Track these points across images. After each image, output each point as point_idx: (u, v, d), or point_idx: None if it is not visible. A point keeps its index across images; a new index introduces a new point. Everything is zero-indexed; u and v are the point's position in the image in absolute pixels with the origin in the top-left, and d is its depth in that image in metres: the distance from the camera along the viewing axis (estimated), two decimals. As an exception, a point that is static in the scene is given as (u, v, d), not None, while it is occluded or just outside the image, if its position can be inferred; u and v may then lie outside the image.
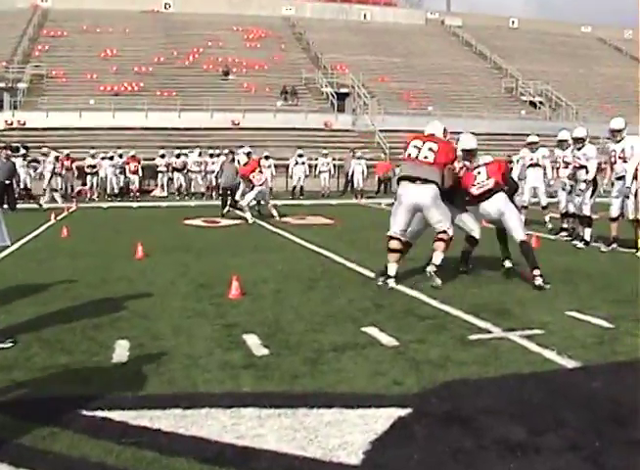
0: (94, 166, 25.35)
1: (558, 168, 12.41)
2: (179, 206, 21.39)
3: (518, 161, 15.09)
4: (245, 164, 15.60)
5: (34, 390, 3.95)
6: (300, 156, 26.38)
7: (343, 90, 38.18)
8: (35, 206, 19.76)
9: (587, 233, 10.52)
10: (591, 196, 10.70)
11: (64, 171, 24.21)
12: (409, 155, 7.28)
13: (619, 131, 9.88)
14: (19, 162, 21.63)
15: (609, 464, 2.99)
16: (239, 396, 3.83)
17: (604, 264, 8.76)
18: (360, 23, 50.96)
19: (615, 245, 9.92)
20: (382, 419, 3.47)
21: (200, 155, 26.52)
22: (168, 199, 24.96)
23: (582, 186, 10.68)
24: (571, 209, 11.44)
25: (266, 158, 24.35)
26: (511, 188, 7.94)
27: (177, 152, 26.78)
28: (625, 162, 9.65)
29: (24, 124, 30.98)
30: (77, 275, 7.83)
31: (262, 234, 12.75)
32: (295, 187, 26.19)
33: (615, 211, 9.97)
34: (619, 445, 3.18)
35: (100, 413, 3.54)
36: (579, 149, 10.82)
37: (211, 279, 7.54)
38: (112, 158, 25.60)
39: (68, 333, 5.15)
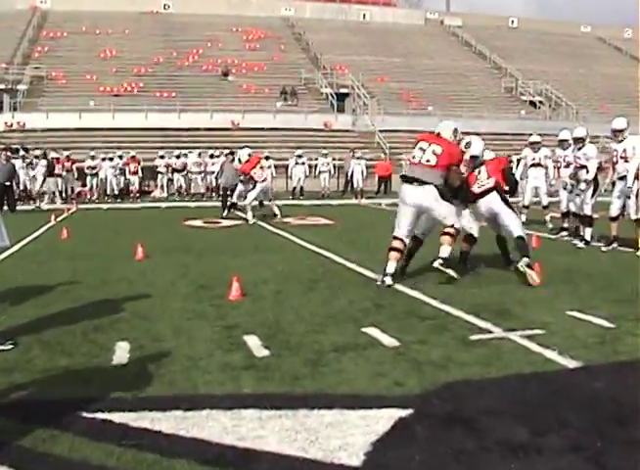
0: (94, 168, 25.39)
1: (559, 168, 12.41)
2: (179, 206, 21.38)
3: (519, 160, 15.08)
4: (246, 162, 15.53)
5: (35, 392, 3.94)
6: (300, 156, 26.39)
7: (343, 90, 38.20)
8: (34, 207, 19.79)
9: (588, 233, 10.51)
10: (592, 195, 10.71)
11: (64, 173, 24.20)
12: (413, 157, 7.38)
13: (622, 131, 9.87)
14: (18, 163, 21.62)
15: (611, 464, 2.98)
16: (239, 397, 3.82)
17: (604, 264, 8.75)
18: (359, 24, 50.97)
19: (615, 244, 9.92)
20: (383, 420, 3.46)
21: (199, 155, 26.53)
22: (168, 200, 24.96)
23: (583, 186, 10.68)
24: (573, 208, 11.44)
25: (266, 158, 24.34)
26: (511, 185, 8.00)
27: (177, 153, 26.79)
28: (627, 161, 9.65)
29: (24, 126, 30.99)
30: (77, 277, 7.82)
31: (262, 235, 12.74)
32: (294, 188, 26.20)
33: (614, 211, 9.97)
34: (622, 445, 3.17)
35: (100, 415, 3.53)
36: (580, 149, 10.82)
37: (212, 280, 7.53)
38: (111, 159, 25.64)
39: (69, 335, 5.14)
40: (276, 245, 11.10)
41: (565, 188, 11.62)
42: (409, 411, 3.58)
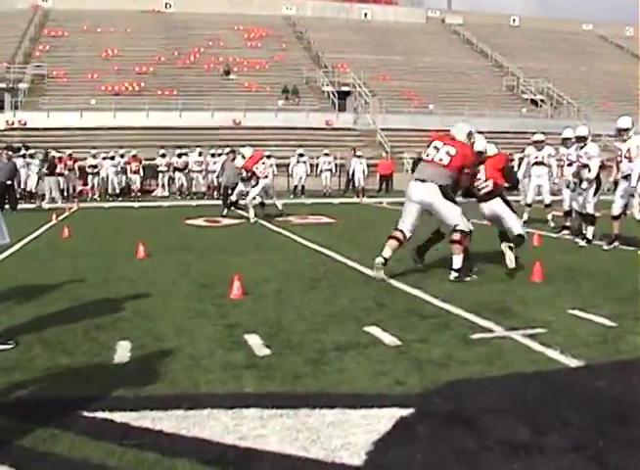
0: (95, 166, 25.39)
1: (563, 166, 12.42)
2: (180, 205, 21.39)
3: (521, 159, 15.10)
4: (249, 158, 15.49)
5: (35, 391, 3.94)
6: (301, 155, 26.39)
7: (345, 89, 38.22)
8: (35, 206, 19.79)
9: (590, 231, 10.50)
10: (594, 194, 10.72)
11: (66, 171, 24.21)
12: (427, 155, 7.51)
13: (627, 130, 9.86)
14: (19, 162, 21.60)
15: (613, 463, 2.97)
16: (241, 396, 3.82)
17: (606, 263, 8.74)
18: (361, 22, 50.94)
19: (617, 243, 9.91)
20: (384, 419, 3.45)
21: (200, 154, 26.49)
22: (170, 199, 24.96)
23: (585, 185, 10.68)
24: (575, 207, 11.43)
25: (267, 157, 24.31)
26: (512, 183, 8.10)
27: (179, 151, 26.78)
28: (631, 161, 9.64)
29: (25, 125, 31.02)
30: (79, 276, 7.82)
31: (264, 233, 12.74)
32: (296, 186, 26.20)
33: (617, 210, 9.96)
34: (624, 444, 3.16)
35: (101, 414, 3.53)
36: (582, 148, 10.84)
37: (213, 279, 7.53)
38: (113, 158, 25.63)
39: (70, 334, 5.14)
40: (277, 243, 11.09)
41: (568, 186, 11.60)
42: (410, 410, 3.57)
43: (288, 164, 26.76)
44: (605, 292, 6.67)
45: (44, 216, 15.95)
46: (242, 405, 3.64)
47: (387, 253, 7.31)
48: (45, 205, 21.32)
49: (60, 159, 23.89)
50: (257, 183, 15.03)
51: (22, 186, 22.98)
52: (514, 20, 56.34)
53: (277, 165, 25.66)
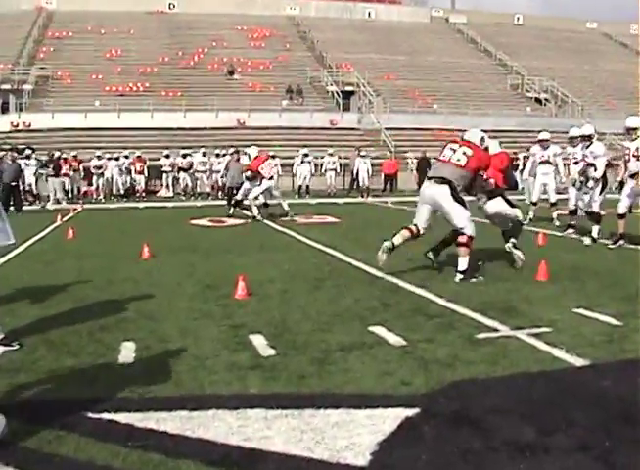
0: (100, 167, 25.42)
1: (569, 165, 12.39)
2: (185, 206, 21.40)
3: (526, 158, 15.07)
4: (255, 158, 15.48)
5: (40, 392, 3.94)
6: (306, 155, 26.39)
7: (349, 88, 38.20)
8: (40, 207, 19.81)
9: (595, 230, 10.48)
10: (600, 193, 10.70)
11: (71, 172, 24.25)
12: (443, 155, 7.61)
13: (635, 129, 9.84)
14: (23, 163, 21.60)
15: (619, 463, 2.96)
16: (246, 397, 3.81)
17: (611, 261, 8.72)
18: (365, 22, 50.92)
19: (622, 242, 9.88)
20: (389, 420, 3.44)
21: (204, 155, 26.50)
22: (174, 199, 24.98)
23: (591, 183, 10.67)
24: (581, 205, 11.41)
25: (272, 157, 24.31)
26: (511, 185, 8.18)
27: (183, 152, 26.81)
28: (639, 160, 9.62)
29: (30, 126, 31.07)
30: (83, 276, 7.83)
31: (268, 233, 12.74)
32: (300, 186, 26.20)
33: (622, 208, 9.93)
34: (630, 443, 3.15)
35: (106, 416, 3.53)
36: (587, 146, 10.82)
37: (218, 279, 7.52)
38: (117, 158, 25.67)
39: (74, 335, 5.14)
40: (282, 243, 11.09)
41: (574, 185, 11.57)
42: (416, 411, 3.56)
43: (292, 164, 26.77)
44: (610, 291, 6.65)
45: (49, 217, 15.97)
46: (246, 406, 3.64)
47: (397, 240, 7.43)
48: (50, 206, 21.35)
49: (65, 160, 23.91)
50: (262, 183, 15.03)
51: (27, 188, 23.01)
52: (518, 18, 56.24)
53: (281, 165, 25.64)
